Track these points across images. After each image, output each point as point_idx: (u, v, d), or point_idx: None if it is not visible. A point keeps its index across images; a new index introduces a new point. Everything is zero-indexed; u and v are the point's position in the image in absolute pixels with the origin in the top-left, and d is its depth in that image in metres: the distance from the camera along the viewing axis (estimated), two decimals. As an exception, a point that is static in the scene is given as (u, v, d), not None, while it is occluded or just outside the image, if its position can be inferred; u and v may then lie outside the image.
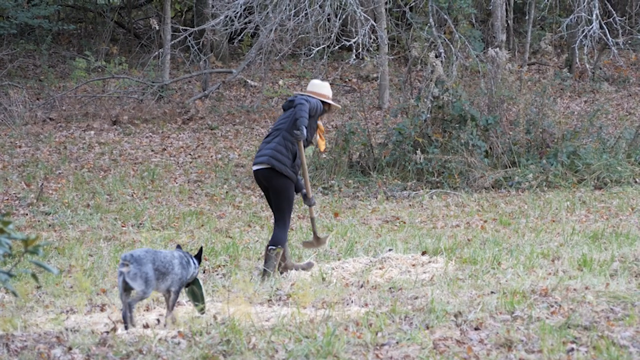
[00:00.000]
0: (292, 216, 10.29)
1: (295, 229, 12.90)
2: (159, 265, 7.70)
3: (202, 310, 8.00)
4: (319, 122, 10.21)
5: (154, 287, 7.68)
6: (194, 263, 8.04)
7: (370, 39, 18.33)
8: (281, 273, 9.95)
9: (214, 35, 21.84)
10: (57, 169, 17.18)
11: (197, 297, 8.07)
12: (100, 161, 17.89)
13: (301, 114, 9.77)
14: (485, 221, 13.50)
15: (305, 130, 9.74)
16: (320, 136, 10.34)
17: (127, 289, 7.61)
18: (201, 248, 8.40)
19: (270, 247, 9.86)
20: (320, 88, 10.20)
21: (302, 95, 10.02)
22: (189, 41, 20.47)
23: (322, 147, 10.56)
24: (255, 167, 9.95)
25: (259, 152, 10.02)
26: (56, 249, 11.64)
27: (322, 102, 10.15)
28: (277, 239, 9.86)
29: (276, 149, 9.87)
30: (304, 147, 9.99)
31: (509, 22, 23.15)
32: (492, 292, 8.43)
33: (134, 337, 7.17)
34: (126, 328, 7.53)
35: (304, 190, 10.21)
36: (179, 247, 8.25)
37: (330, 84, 24.04)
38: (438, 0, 18.60)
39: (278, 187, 9.85)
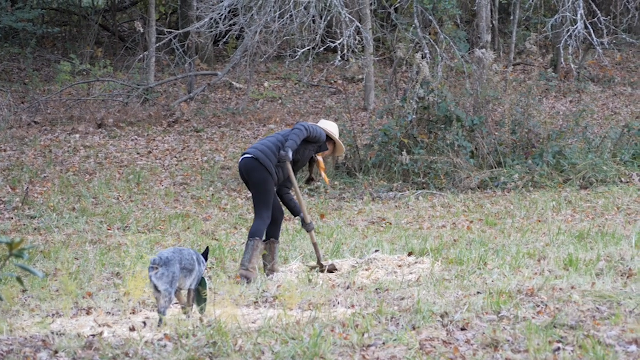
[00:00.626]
0: (280, 217, 10.26)
1: (282, 230, 12.86)
2: (186, 263, 7.94)
3: (202, 310, 8.01)
4: (320, 159, 10.27)
5: (179, 285, 7.90)
6: (203, 262, 8.22)
7: (356, 40, 18.33)
8: (267, 275, 9.94)
9: (199, 38, 21.81)
10: (42, 172, 17.13)
11: (200, 297, 8.10)
12: (85, 164, 17.84)
13: (294, 137, 9.84)
14: (472, 222, 13.51)
15: (291, 153, 9.78)
16: (323, 172, 10.40)
17: (157, 289, 7.81)
18: (207, 248, 8.51)
19: (248, 240, 9.85)
20: (327, 124, 10.33)
21: (308, 123, 10.04)
22: (174, 44, 20.44)
23: (327, 181, 10.70)
24: (240, 159, 9.99)
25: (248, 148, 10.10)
26: (42, 253, 11.59)
27: (327, 139, 10.23)
28: (255, 231, 9.84)
29: (266, 145, 9.95)
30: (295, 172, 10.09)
31: (494, 22, 23.18)
32: (478, 293, 8.44)
33: (120, 340, 7.16)
34: (160, 323, 7.68)
35: (302, 215, 10.22)
36: None
37: (316, 86, 24.17)
38: (423, 2, 18.61)
39: (257, 180, 9.84)
